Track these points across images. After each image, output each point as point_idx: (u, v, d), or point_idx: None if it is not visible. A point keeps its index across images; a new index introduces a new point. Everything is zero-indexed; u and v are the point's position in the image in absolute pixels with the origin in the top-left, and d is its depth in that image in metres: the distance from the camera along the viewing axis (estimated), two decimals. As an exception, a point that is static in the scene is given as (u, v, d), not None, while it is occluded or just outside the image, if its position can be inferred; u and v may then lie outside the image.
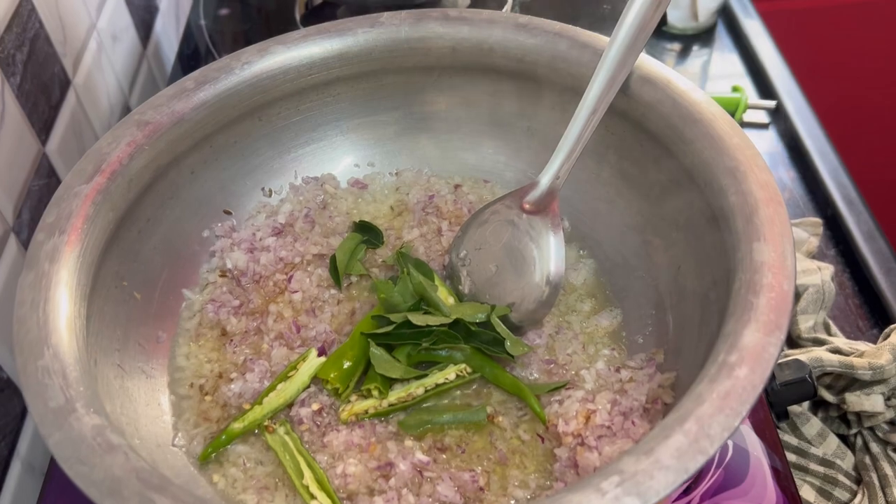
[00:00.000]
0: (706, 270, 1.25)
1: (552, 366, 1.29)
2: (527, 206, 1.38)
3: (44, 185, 1.38)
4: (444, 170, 1.61)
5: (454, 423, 1.27)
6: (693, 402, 0.95)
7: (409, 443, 1.23)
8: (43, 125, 1.41)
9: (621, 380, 1.25)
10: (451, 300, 1.39)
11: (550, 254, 1.34)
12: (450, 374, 1.29)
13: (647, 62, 1.33)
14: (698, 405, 0.94)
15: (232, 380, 1.33)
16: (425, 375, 1.30)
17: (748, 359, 0.97)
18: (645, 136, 1.36)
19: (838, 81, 2.38)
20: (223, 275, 1.45)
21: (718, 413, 0.93)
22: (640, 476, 0.88)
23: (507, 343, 1.30)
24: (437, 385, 1.30)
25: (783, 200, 1.15)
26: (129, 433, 1.16)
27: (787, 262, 1.07)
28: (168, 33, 1.99)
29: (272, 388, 1.31)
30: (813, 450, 1.52)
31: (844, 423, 1.35)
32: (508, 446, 1.20)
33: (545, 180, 1.35)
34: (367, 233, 1.52)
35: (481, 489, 1.19)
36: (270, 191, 1.59)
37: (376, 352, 1.30)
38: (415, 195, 1.56)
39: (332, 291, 1.46)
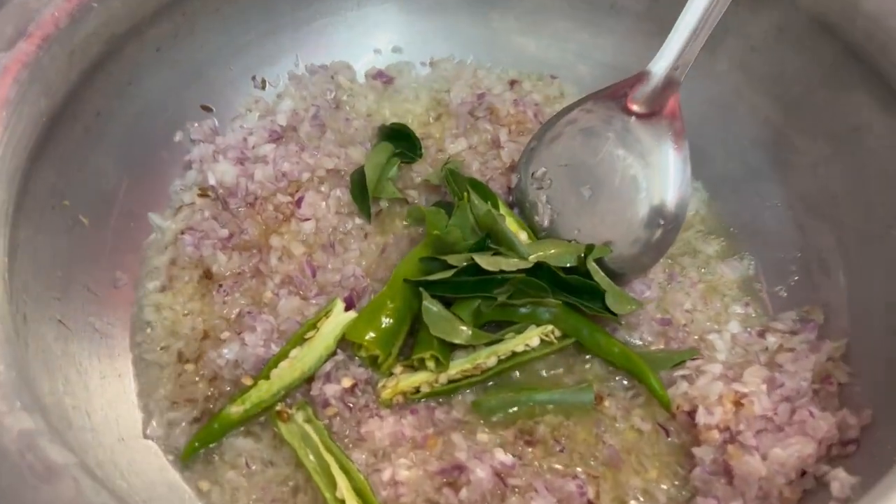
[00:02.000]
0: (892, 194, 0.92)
1: (667, 327, 0.94)
2: (634, 107, 1.00)
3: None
4: (494, 60, 1.26)
5: (550, 404, 0.91)
6: None
7: (483, 435, 0.88)
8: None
9: (768, 348, 0.91)
10: (523, 236, 1.02)
11: (668, 175, 0.97)
12: (532, 339, 0.93)
13: None
14: None
15: (223, 342, 0.96)
16: (500, 340, 0.93)
17: None
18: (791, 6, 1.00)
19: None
20: (203, 194, 1.09)
21: None
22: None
23: (609, 297, 0.94)
24: (515, 354, 0.93)
25: None
26: (79, 425, 0.80)
27: None
28: None
29: (283, 354, 0.93)
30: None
31: None
32: (621, 441, 0.86)
33: (660, 69, 0.97)
34: (399, 141, 1.15)
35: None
36: (264, 81, 1.21)
37: (431, 308, 0.92)
38: (458, 93, 1.20)
39: (357, 221, 1.08)
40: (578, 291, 0.95)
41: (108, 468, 0.79)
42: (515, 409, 0.91)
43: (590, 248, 0.95)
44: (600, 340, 0.94)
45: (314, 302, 0.99)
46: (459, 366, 0.92)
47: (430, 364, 0.92)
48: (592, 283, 0.95)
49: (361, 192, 1.07)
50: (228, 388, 0.93)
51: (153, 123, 1.08)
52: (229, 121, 1.16)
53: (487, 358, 0.92)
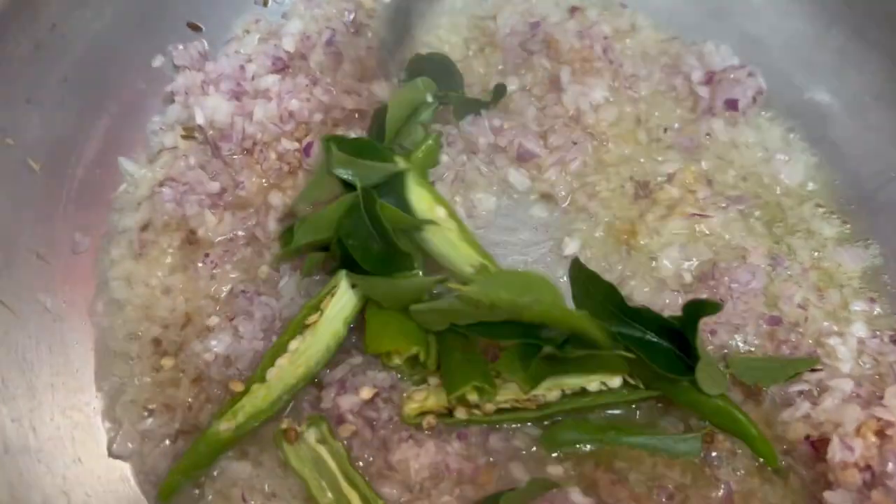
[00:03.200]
0: None
1: (777, 327, 0.76)
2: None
3: None
4: (550, -20, 1.07)
5: (646, 449, 0.71)
6: None
7: (555, 468, 0.67)
8: None
9: (907, 358, 0.71)
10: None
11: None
12: (614, 380, 0.72)
13: None
14: None
15: (210, 330, 0.76)
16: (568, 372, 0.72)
17: None
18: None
19: None
20: (188, 135, 0.91)
21: None
22: None
23: (701, 370, 0.71)
24: (587, 392, 0.73)
25: None
26: (18, 446, 0.62)
27: None
28: None
29: (280, 347, 0.73)
30: None
31: None
32: (738, 482, 0.66)
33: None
34: (437, 75, 0.93)
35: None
36: None
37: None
38: (507, 20, 1.02)
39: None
40: (645, 347, 0.73)
41: (57, 507, 0.59)
42: (592, 445, 0.70)
43: (698, 306, 0.71)
44: (691, 396, 0.72)
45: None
46: (509, 393, 0.71)
47: (473, 397, 0.71)
48: (654, 340, 0.72)
49: (379, 135, 0.85)
50: (218, 392, 0.73)
51: (125, 42, 0.91)
52: (222, 44, 0.99)
53: (548, 391, 0.72)
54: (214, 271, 0.80)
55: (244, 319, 0.75)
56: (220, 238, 0.83)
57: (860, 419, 0.70)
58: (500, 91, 0.90)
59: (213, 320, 0.77)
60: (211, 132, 0.87)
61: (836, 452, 0.69)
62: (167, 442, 0.71)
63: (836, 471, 0.69)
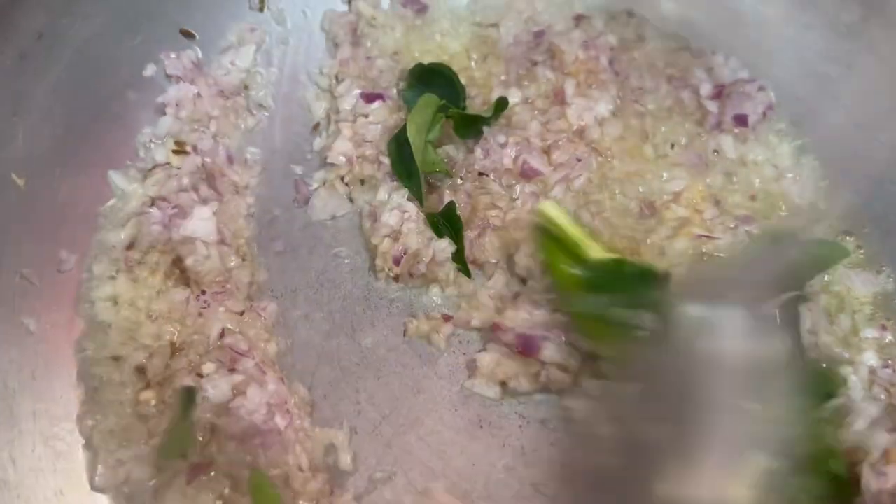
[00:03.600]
0: None
1: None
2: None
3: None
4: (554, -12, 1.05)
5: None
6: None
7: None
8: None
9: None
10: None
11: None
12: None
13: None
14: None
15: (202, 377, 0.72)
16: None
17: None
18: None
19: None
20: (180, 149, 0.87)
21: None
22: None
23: None
24: None
25: None
26: None
27: None
28: None
29: None
30: None
31: None
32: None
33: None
34: (439, 86, 0.91)
35: None
36: (263, 0, 0.97)
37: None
38: (510, 29, 0.99)
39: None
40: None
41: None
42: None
43: None
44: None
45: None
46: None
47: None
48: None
49: (406, 166, 0.82)
50: (201, 438, 0.69)
51: (115, 51, 0.87)
52: (217, 51, 0.94)
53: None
54: (203, 310, 0.75)
55: (252, 387, 0.70)
56: (211, 277, 0.77)
57: (888, 447, 0.68)
58: (501, 105, 0.87)
59: (209, 368, 0.71)
60: (202, 151, 0.84)
61: (870, 481, 0.67)
62: (146, 476, 0.68)
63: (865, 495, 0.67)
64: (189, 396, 0.69)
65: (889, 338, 0.80)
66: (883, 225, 0.86)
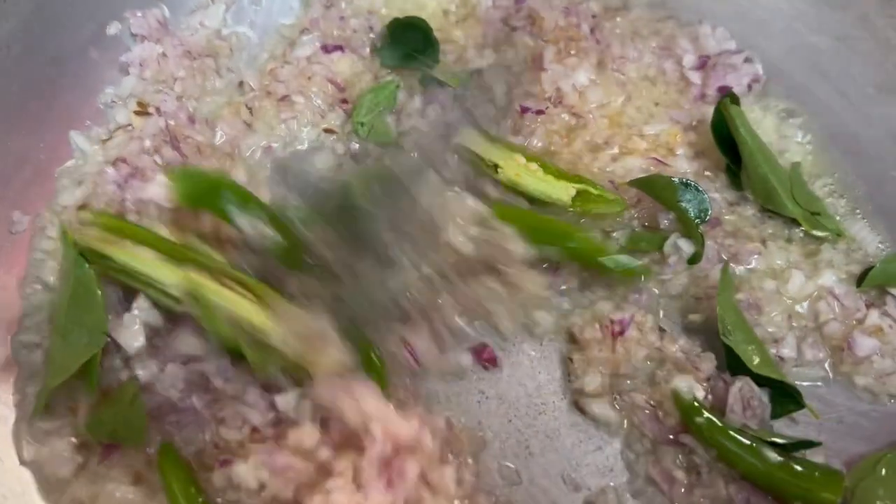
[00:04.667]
0: None
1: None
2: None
3: None
4: (537, -49, 1.01)
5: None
6: None
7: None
8: None
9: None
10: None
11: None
12: None
13: None
14: None
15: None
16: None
17: None
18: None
19: None
20: (143, 111, 0.84)
21: None
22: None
23: None
24: None
25: None
26: None
27: None
28: None
29: None
30: None
31: None
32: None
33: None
34: (413, 40, 0.90)
35: None
36: None
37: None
38: None
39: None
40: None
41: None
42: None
43: None
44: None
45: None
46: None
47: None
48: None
49: None
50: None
51: (77, 7, 0.83)
52: (185, 14, 0.90)
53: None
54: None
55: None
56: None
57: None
58: (473, 80, 0.84)
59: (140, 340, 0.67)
60: (165, 113, 0.81)
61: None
62: (66, 450, 0.65)
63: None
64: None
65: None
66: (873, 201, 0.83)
